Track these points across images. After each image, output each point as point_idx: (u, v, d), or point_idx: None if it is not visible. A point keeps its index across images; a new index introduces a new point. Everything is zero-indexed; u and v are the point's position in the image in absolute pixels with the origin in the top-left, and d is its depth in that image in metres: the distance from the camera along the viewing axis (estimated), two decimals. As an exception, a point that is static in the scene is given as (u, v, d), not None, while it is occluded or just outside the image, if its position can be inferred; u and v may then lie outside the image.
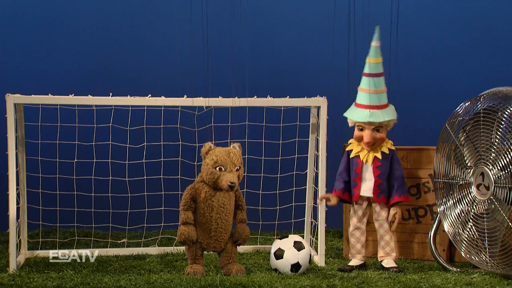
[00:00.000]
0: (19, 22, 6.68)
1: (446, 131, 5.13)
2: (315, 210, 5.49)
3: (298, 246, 4.91)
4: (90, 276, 4.76)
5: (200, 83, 5.68)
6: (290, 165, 5.69)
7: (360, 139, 5.14)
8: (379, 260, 5.20)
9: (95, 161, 5.62)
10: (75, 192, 5.62)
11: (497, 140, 4.80)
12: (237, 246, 5.00)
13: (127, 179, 5.67)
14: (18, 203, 5.19)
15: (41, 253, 5.47)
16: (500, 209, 4.75)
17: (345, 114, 5.19)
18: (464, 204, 5.03)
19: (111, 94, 5.19)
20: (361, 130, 5.12)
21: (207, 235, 4.87)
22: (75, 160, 5.59)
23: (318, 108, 5.33)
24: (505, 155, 4.71)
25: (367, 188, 5.16)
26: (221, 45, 6.17)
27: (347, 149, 5.25)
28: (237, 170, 4.81)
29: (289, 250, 4.89)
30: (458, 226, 5.06)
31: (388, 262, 5.15)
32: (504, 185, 4.71)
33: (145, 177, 5.70)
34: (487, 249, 4.84)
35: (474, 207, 4.95)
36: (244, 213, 4.97)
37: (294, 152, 5.65)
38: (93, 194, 5.64)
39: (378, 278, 4.79)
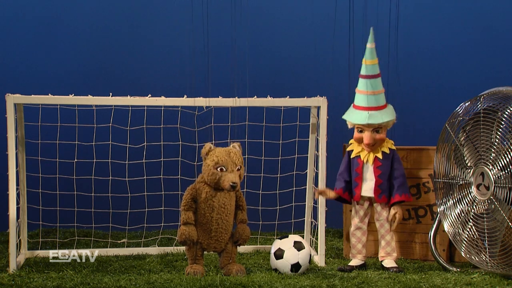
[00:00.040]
0: (19, 22, 6.68)
1: (446, 131, 5.13)
2: (315, 210, 5.49)
3: (298, 246, 4.91)
4: (90, 276, 4.76)
5: (200, 83, 5.68)
6: (290, 165, 5.69)
7: (360, 141, 5.14)
8: (379, 260, 5.20)
9: (95, 161, 5.62)
10: (75, 192, 5.62)
11: (497, 140, 4.80)
12: (237, 246, 5.00)
13: (127, 179, 5.67)
14: (18, 203, 5.19)
15: (41, 253, 5.47)
16: (500, 209, 4.75)
17: (344, 117, 5.20)
18: (464, 204, 5.03)
19: (111, 94, 5.19)
20: (361, 131, 5.12)
21: (207, 236, 4.87)
22: (75, 160, 5.58)
23: (318, 108, 5.33)
24: (505, 155, 4.71)
25: (368, 188, 5.16)
26: (221, 45, 6.17)
27: (347, 149, 5.25)
28: (238, 169, 4.81)
29: (289, 250, 4.89)
30: (458, 226, 5.06)
31: (389, 262, 5.15)
32: (504, 185, 4.71)
33: (145, 177, 5.70)
34: (487, 249, 4.84)
35: (474, 207, 4.95)
36: (244, 213, 4.97)
37: (294, 152, 5.65)
38: (93, 194, 5.64)
39: (378, 278, 4.79)
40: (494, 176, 4.78)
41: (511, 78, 6.13)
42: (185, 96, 5.23)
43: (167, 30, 6.66)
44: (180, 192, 5.41)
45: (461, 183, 5.05)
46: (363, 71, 5.12)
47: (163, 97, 5.22)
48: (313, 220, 5.58)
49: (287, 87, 6.10)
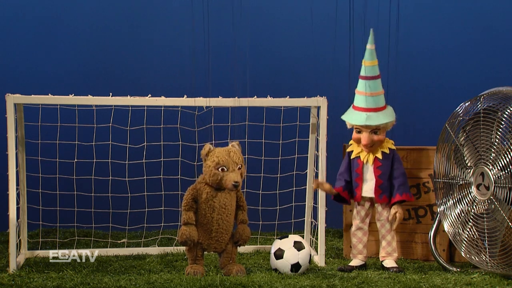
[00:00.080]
0: (19, 22, 6.68)
1: (446, 131, 5.13)
2: (315, 210, 5.49)
3: (298, 246, 4.91)
4: (90, 276, 4.76)
5: (200, 83, 5.68)
6: (290, 165, 5.69)
7: (358, 141, 5.14)
8: (380, 260, 5.20)
9: (95, 161, 5.61)
10: (75, 192, 5.62)
11: (497, 140, 4.80)
12: (238, 247, 5.00)
13: (127, 179, 5.67)
14: (18, 203, 5.19)
15: (41, 253, 5.47)
16: (500, 209, 4.75)
17: (343, 117, 5.20)
18: (464, 204, 5.03)
19: (111, 94, 5.19)
20: (359, 132, 5.12)
21: (208, 236, 4.87)
22: (75, 160, 5.58)
23: (318, 108, 5.33)
24: (505, 155, 4.71)
25: (368, 188, 5.16)
26: (221, 45, 6.17)
27: (347, 150, 5.25)
28: (239, 168, 4.81)
29: (289, 250, 4.89)
30: (458, 226, 5.06)
31: (389, 262, 5.15)
32: (504, 185, 4.71)
33: (145, 177, 5.70)
34: (487, 249, 4.84)
35: (474, 207, 4.95)
36: (245, 213, 4.97)
37: (294, 152, 5.65)
38: (93, 194, 5.63)
39: (378, 278, 4.79)
40: (494, 176, 4.78)
41: (511, 78, 6.13)
42: (185, 96, 5.23)
43: (167, 30, 6.66)
44: (180, 192, 5.41)
45: (461, 183, 5.05)
46: (362, 72, 5.12)
47: (163, 97, 5.22)
48: (313, 220, 5.58)
49: (287, 87, 6.10)
